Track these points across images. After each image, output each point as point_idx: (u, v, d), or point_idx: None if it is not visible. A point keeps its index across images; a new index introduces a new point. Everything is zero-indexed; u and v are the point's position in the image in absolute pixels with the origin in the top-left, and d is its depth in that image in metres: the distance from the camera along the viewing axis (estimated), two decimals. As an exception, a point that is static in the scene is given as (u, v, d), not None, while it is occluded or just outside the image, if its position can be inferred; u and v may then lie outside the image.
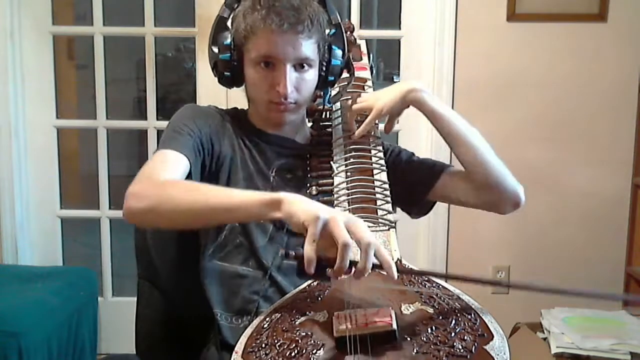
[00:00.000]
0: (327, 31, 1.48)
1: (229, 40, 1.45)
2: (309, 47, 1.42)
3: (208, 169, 1.45)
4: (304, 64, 1.44)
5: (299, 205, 1.08)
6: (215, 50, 1.46)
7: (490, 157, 1.51)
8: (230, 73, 1.47)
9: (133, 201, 1.24)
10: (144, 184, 1.27)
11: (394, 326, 1.00)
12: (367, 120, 1.49)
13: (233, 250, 1.44)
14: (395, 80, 3.31)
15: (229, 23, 1.48)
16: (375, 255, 1.04)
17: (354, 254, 1.02)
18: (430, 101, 1.50)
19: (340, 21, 1.50)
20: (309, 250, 1.02)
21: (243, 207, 1.16)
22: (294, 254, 1.05)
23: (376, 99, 1.51)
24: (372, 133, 1.52)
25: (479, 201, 1.54)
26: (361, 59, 1.70)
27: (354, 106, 1.52)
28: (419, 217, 1.63)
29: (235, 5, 1.47)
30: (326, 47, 1.48)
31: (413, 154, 1.62)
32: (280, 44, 1.39)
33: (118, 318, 3.00)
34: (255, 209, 1.14)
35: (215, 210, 1.19)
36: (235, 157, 1.48)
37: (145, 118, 3.04)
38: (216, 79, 1.51)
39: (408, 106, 1.50)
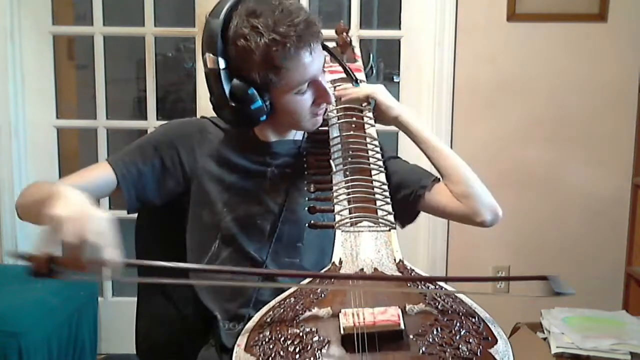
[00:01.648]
0: None
1: (252, 89, 1.36)
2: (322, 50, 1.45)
3: (177, 184, 1.48)
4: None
5: (53, 203, 1.10)
6: (237, 104, 1.36)
7: (466, 169, 1.53)
8: (265, 116, 1.40)
9: (18, 198, 1.38)
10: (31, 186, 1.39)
11: (402, 326, 1.00)
12: (353, 91, 1.56)
13: (227, 258, 1.44)
14: (395, 80, 3.31)
15: (233, 69, 1.37)
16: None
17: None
18: (413, 125, 1.55)
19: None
20: (35, 250, 1.05)
21: (41, 198, 1.20)
22: (27, 255, 1.07)
23: (373, 89, 1.57)
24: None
25: (459, 210, 1.50)
26: (355, 61, 1.71)
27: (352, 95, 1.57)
28: (406, 226, 1.60)
29: (230, 50, 1.36)
30: None
31: (400, 159, 1.61)
32: (314, 62, 1.38)
33: (118, 318, 3.00)
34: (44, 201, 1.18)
35: (33, 203, 1.26)
36: (219, 165, 1.48)
37: (145, 118, 3.04)
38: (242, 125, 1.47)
39: (390, 120, 1.56)
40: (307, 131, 1.53)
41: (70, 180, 1.38)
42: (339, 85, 1.60)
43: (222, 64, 1.35)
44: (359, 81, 1.60)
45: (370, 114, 1.54)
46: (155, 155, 1.46)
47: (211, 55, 1.35)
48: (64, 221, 1.05)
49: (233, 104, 1.36)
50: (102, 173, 1.42)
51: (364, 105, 1.56)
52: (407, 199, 1.51)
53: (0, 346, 2.30)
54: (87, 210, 1.09)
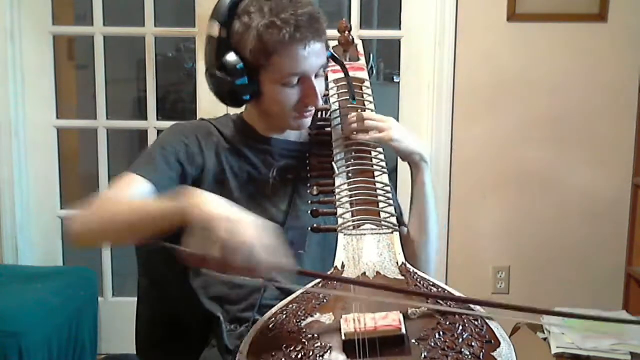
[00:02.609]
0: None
1: (240, 64, 1.37)
2: (324, 52, 1.42)
3: (193, 183, 1.45)
4: (321, 70, 1.43)
5: (201, 204, 1.10)
6: (224, 76, 1.38)
7: (432, 245, 1.50)
8: (249, 96, 1.41)
9: (73, 224, 1.29)
10: (85, 209, 1.31)
11: (403, 330, 1.00)
12: (372, 137, 1.46)
13: None
14: (395, 80, 3.31)
15: (230, 44, 1.39)
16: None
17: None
18: (426, 176, 1.48)
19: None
20: (191, 245, 1.06)
21: (159, 212, 1.18)
22: (175, 247, 1.07)
23: (392, 127, 1.45)
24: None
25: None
26: (358, 59, 1.70)
27: (369, 123, 1.46)
28: None
29: (234, 23, 1.38)
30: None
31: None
32: (308, 59, 1.37)
33: (118, 318, 3.00)
34: (169, 211, 1.15)
35: (140, 220, 1.22)
36: (222, 168, 1.47)
37: (145, 118, 3.04)
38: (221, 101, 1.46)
39: (405, 160, 1.48)
40: (292, 130, 1.50)
41: (122, 197, 1.34)
42: (346, 115, 1.52)
43: (222, 33, 1.38)
44: (355, 98, 1.56)
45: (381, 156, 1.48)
46: (174, 159, 1.44)
47: (216, 22, 1.38)
48: (220, 220, 1.05)
49: (221, 75, 1.38)
50: (139, 186, 1.37)
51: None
52: None
53: (0, 346, 2.30)
54: (238, 211, 1.10)
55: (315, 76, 1.41)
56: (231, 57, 1.37)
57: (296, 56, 1.36)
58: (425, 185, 1.47)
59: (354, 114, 1.50)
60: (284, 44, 1.34)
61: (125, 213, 1.24)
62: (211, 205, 1.10)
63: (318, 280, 1.20)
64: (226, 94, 1.41)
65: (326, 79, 1.56)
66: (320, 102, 1.44)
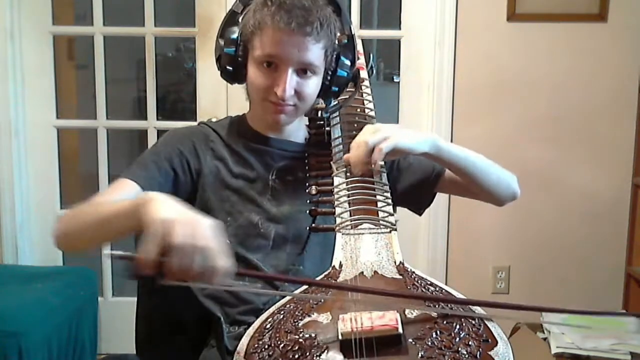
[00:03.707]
0: (337, 40, 1.44)
1: (235, 35, 1.42)
2: (315, 52, 1.39)
3: (188, 192, 1.46)
4: (308, 70, 1.40)
5: (155, 207, 1.06)
6: (221, 43, 1.44)
7: (493, 178, 1.55)
8: (232, 68, 1.44)
9: (55, 228, 1.31)
10: (67, 213, 1.33)
11: (400, 330, 1.00)
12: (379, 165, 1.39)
13: None
14: (395, 80, 3.31)
15: (240, 18, 1.44)
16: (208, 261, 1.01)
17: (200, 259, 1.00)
18: (449, 153, 1.49)
19: (353, 33, 1.47)
20: (145, 251, 1.00)
21: (121, 213, 1.18)
22: (126, 255, 1.02)
23: (393, 131, 1.38)
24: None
25: (478, 199, 1.59)
26: (358, 59, 1.70)
27: (371, 139, 1.35)
28: (424, 211, 1.64)
29: (249, 1, 1.44)
30: (334, 55, 1.44)
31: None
32: (286, 44, 1.36)
33: (118, 318, 3.00)
34: (129, 212, 1.14)
35: (105, 221, 1.23)
36: (220, 171, 1.47)
37: (145, 118, 3.04)
38: (218, 73, 1.49)
39: (426, 153, 1.43)
40: (270, 123, 1.49)
41: (101, 200, 1.34)
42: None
43: (238, 9, 1.44)
44: (354, 97, 1.56)
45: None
46: (168, 166, 1.45)
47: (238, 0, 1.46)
48: (174, 224, 1.00)
49: (219, 41, 1.45)
50: (129, 190, 1.38)
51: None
52: (428, 179, 1.55)
53: (0, 346, 2.30)
54: (193, 215, 1.05)
55: (299, 73, 1.40)
56: (232, 28, 1.43)
57: (271, 37, 1.37)
58: (457, 161, 1.50)
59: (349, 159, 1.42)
60: (263, 22, 1.37)
61: (93, 215, 1.26)
62: (164, 207, 1.05)
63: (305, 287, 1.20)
64: (217, 60, 1.46)
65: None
66: (287, 95, 1.39)
